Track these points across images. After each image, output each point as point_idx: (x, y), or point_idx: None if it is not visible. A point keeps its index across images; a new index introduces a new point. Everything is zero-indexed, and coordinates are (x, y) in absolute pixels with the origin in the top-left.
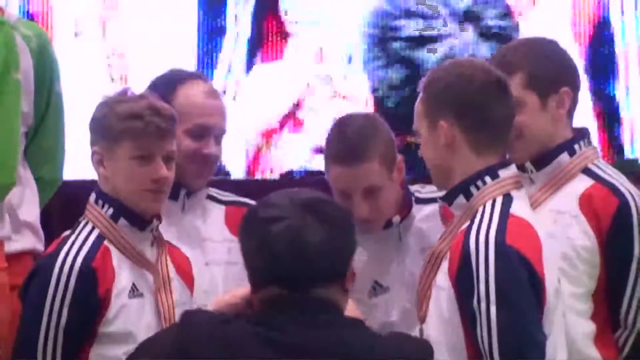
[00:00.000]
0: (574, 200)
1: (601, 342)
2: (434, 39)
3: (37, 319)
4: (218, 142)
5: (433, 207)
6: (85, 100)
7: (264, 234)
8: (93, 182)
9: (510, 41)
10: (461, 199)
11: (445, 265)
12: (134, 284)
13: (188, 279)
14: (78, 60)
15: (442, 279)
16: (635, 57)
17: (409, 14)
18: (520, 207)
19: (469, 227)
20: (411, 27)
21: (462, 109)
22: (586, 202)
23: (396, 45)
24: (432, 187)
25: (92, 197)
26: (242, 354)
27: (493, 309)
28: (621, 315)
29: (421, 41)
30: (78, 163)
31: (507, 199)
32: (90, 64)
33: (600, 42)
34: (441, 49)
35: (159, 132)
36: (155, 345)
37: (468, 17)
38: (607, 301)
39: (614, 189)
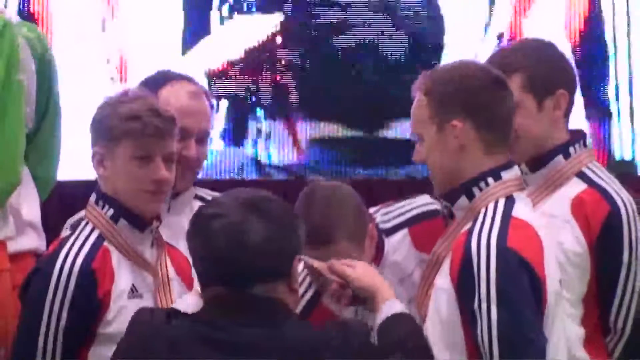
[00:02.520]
0: (566, 204)
1: (590, 345)
2: (349, 27)
3: (37, 320)
4: (201, 143)
5: (400, 234)
6: (86, 100)
7: (206, 232)
8: (93, 182)
9: (427, 30)
10: (463, 200)
11: (446, 266)
12: (133, 285)
13: (187, 279)
14: (78, 60)
15: (443, 279)
16: (626, 58)
17: (325, 3)
18: (522, 209)
19: (471, 229)
20: (328, 16)
21: (475, 107)
22: (577, 207)
23: (313, 33)
24: (400, 209)
25: (93, 197)
26: (182, 352)
27: (494, 310)
28: (610, 320)
29: (337, 29)
30: (78, 163)
31: (510, 201)
32: (90, 64)
33: (592, 43)
34: (355, 36)
35: (158, 133)
36: (122, 341)
37: (385, 5)
38: (597, 306)
39: (605, 195)
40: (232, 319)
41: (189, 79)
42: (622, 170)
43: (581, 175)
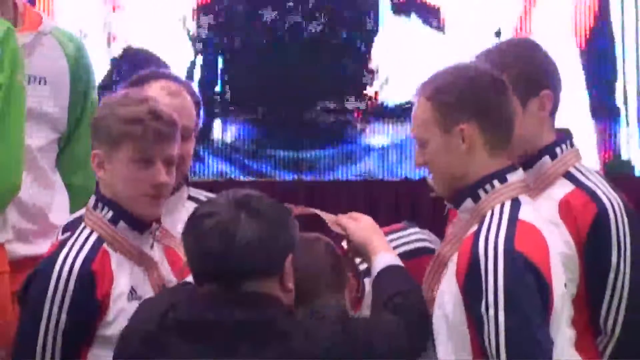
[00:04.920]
0: (553, 206)
1: (581, 347)
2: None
3: (36, 322)
4: (184, 140)
5: None
6: None
7: (198, 230)
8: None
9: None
10: (469, 202)
11: (451, 267)
12: (132, 288)
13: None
14: None
15: (449, 281)
16: (634, 56)
17: None
18: (528, 212)
19: (478, 232)
20: None
21: (481, 110)
22: (565, 209)
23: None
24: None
25: (92, 201)
26: (165, 348)
27: (501, 315)
28: (600, 322)
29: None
30: None
31: (516, 204)
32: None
33: (600, 41)
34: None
35: (159, 136)
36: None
37: None
38: (587, 307)
39: (593, 196)
40: (220, 314)
41: (171, 77)
42: (628, 169)
43: (568, 176)
